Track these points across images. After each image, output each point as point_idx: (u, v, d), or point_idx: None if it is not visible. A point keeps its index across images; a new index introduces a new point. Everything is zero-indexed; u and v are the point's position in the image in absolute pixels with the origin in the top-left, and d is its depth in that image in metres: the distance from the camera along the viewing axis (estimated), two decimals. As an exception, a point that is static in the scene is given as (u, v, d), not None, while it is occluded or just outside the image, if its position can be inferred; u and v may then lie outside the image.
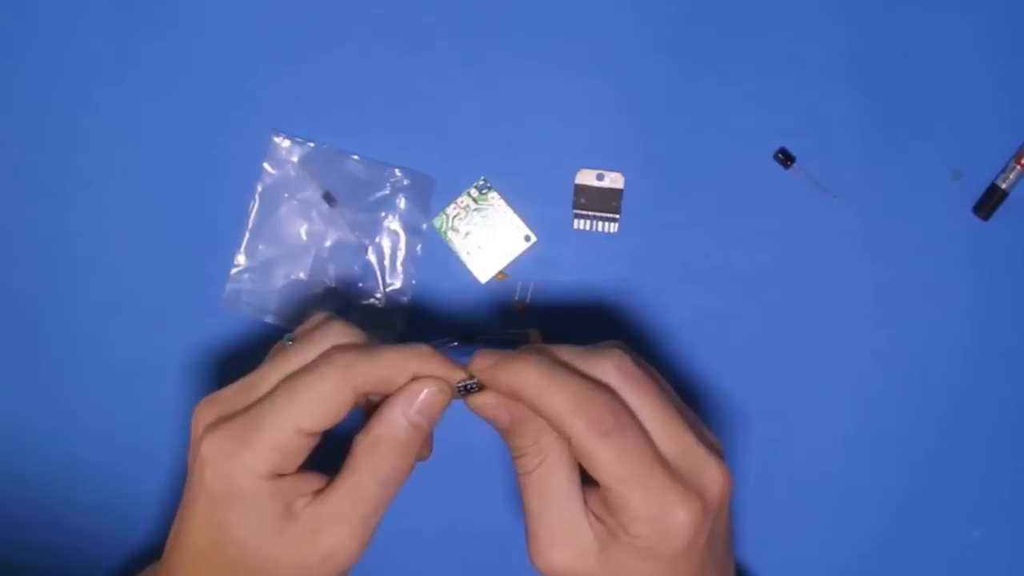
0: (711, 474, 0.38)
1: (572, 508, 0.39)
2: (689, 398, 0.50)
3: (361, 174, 0.50)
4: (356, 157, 0.50)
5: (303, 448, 0.38)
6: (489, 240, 0.50)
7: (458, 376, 0.40)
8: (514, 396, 0.38)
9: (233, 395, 0.40)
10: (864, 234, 0.50)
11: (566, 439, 0.37)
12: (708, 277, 0.50)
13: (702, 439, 0.39)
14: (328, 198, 0.50)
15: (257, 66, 0.50)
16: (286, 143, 0.50)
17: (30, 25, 0.50)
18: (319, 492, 0.39)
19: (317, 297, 0.50)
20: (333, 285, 0.50)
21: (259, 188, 0.50)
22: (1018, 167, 0.49)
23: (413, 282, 0.50)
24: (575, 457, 0.38)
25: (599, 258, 0.50)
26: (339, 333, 0.40)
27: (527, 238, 0.50)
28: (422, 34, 0.50)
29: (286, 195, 0.50)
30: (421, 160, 0.50)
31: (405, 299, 0.50)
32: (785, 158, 0.49)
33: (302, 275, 0.50)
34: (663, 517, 0.37)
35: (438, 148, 0.50)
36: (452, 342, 0.46)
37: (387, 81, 0.50)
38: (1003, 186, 0.49)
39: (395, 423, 0.39)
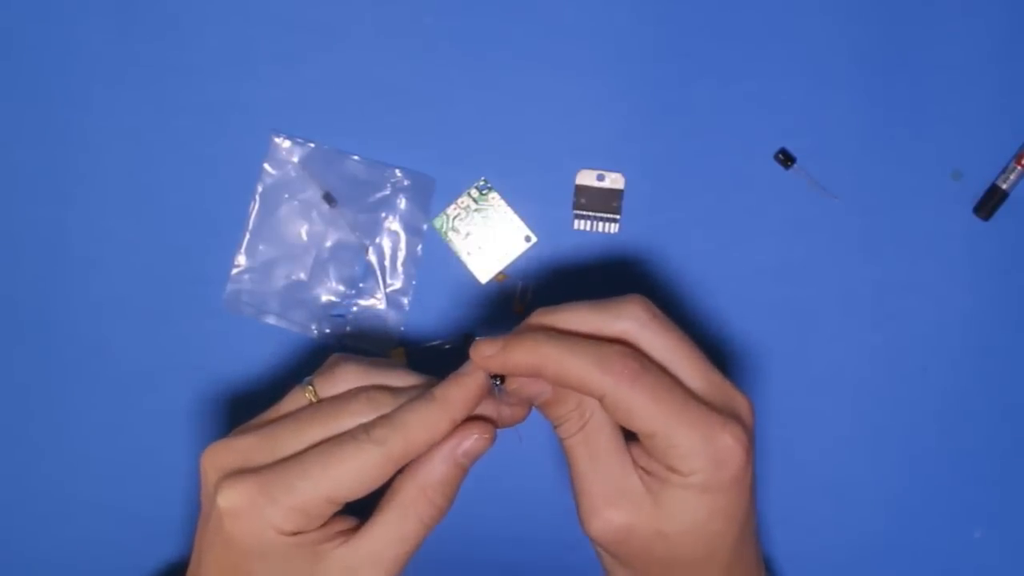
0: (740, 401, 0.39)
1: (621, 464, 0.39)
2: (689, 398, 0.50)
3: (361, 174, 0.50)
4: (356, 157, 0.50)
5: (329, 513, 0.38)
6: (489, 240, 0.50)
7: (492, 410, 0.40)
8: (534, 373, 0.38)
9: (253, 447, 0.39)
10: (864, 234, 0.50)
11: (598, 398, 0.37)
12: (708, 277, 0.50)
13: (713, 365, 0.39)
14: (328, 198, 0.50)
15: (257, 66, 0.50)
16: (286, 143, 0.50)
17: (30, 25, 0.50)
18: (352, 531, 0.39)
19: (318, 297, 0.50)
20: (333, 285, 0.50)
21: (259, 188, 0.50)
22: (1018, 167, 0.49)
23: (413, 282, 0.50)
24: (613, 416, 0.38)
25: (599, 258, 0.50)
26: (363, 379, 0.40)
27: (527, 238, 0.50)
28: (422, 34, 0.50)
29: (286, 195, 0.50)
30: (421, 160, 0.50)
31: (405, 299, 0.50)
32: (785, 158, 0.49)
33: (303, 276, 0.50)
34: (711, 446, 0.37)
35: (438, 148, 0.50)
36: (446, 344, 0.46)
37: (387, 81, 0.50)
38: (1003, 186, 0.49)
39: (442, 468, 0.39)
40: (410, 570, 0.51)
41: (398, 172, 0.50)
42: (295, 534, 0.37)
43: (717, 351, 0.50)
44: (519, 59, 0.50)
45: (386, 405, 0.39)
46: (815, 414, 0.50)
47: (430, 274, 0.50)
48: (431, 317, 0.50)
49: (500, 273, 0.50)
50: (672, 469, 0.38)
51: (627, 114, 0.50)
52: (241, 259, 0.50)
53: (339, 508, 0.38)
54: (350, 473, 0.37)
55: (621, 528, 0.39)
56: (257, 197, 0.50)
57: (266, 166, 0.50)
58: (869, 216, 0.50)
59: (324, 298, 0.50)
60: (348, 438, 0.38)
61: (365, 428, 0.38)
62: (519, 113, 0.50)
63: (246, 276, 0.50)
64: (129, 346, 0.50)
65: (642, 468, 0.39)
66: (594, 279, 0.50)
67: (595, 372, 0.37)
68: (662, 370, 0.38)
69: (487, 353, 0.39)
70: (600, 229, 0.50)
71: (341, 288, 0.50)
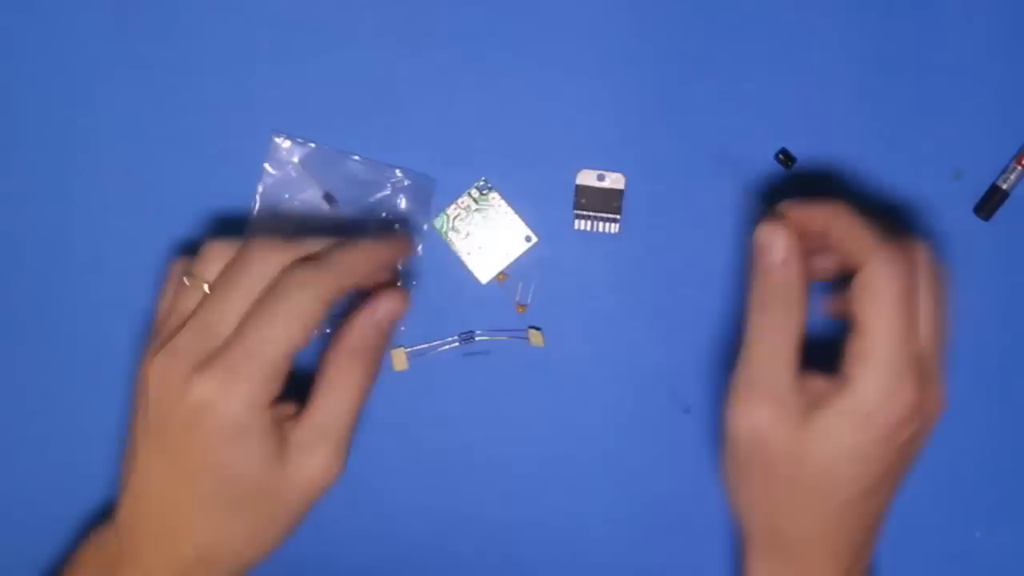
0: (935, 390, 0.40)
1: (789, 368, 0.39)
2: (690, 397, 0.50)
3: (362, 174, 0.50)
4: (357, 157, 0.50)
5: (288, 369, 0.40)
6: (489, 240, 0.50)
7: (397, 250, 0.44)
8: (823, 226, 0.40)
9: (194, 340, 0.40)
10: (864, 234, 0.50)
11: (858, 268, 0.39)
12: (708, 277, 0.50)
13: (943, 364, 0.40)
14: (329, 198, 0.50)
15: (257, 66, 0.50)
16: (287, 143, 0.50)
17: (30, 25, 0.50)
18: (296, 413, 0.41)
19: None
20: None
21: (260, 189, 0.50)
22: (1019, 167, 0.49)
23: (414, 282, 0.50)
24: (853, 295, 0.39)
25: (600, 259, 0.50)
26: (275, 250, 0.41)
27: (527, 239, 0.50)
28: (422, 34, 0.50)
29: (287, 195, 0.50)
30: (422, 161, 0.50)
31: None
32: (786, 158, 0.49)
33: None
34: (896, 384, 0.38)
35: (439, 149, 0.50)
36: (445, 345, 0.47)
37: (388, 81, 0.50)
38: (1004, 186, 0.49)
39: (366, 331, 0.41)
40: (412, 569, 0.51)
41: (398, 172, 0.50)
42: (272, 406, 0.39)
43: (717, 351, 0.50)
44: (519, 59, 0.50)
45: (286, 254, 0.41)
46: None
47: (430, 274, 0.50)
48: (431, 317, 0.50)
49: (500, 273, 0.50)
50: (847, 382, 0.38)
51: (627, 114, 0.50)
52: (241, 259, 0.50)
53: (290, 364, 0.40)
54: (298, 321, 0.39)
55: (763, 430, 0.39)
56: (258, 197, 0.50)
57: (266, 166, 0.50)
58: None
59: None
60: (279, 291, 0.39)
61: (292, 274, 0.40)
62: (519, 113, 0.50)
63: (246, 276, 0.50)
64: (131, 347, 0.50)
65: (808, 389, 0.39)
66: (594, 279, 0.50)
67: (870, 240, 0.39)
68: (917, 301, 0.39)
69: (794, 203, 0.41)
70: (600, 229, 0.50)
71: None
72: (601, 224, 0.50)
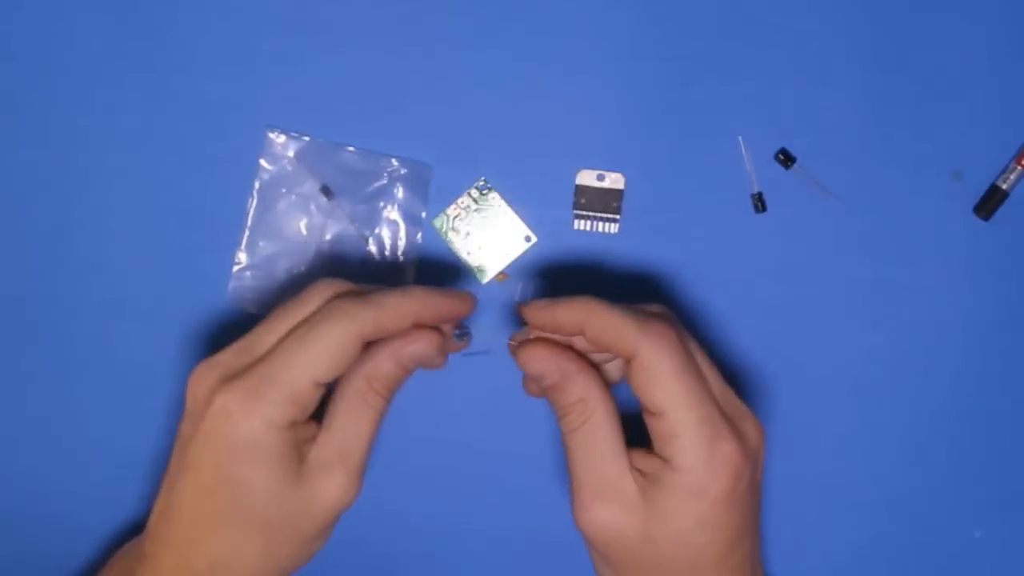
0: (750, 424, 0.40)
1: (617, 462, 0.39)
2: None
3: (357, 165, 0.50)
4: (352, 148, 0.50)
5: (316, 399, 0.39)
6: (489, 240, 0.50)
7: (454, 305, 0.42)
8: (576, 329, 0.40)
9: (233, 356, 0.40)
10: (864, 234, 0.50)
11: (630, 357, 0.38)
12: (708, 277, 0.50)
13: (738, 397, 0.41)
14: (326, 191, 0.50)
15: (253, 63, 0.50)
16: (281, 138, 0.50)
17: (29, 25, 0.50)
18: (315, 436, 0.41)
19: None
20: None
21: (256, 184, 0.50)
22: (1018, 167, 0.49)
23: (414, 271, 0.50)
24: (634, 384, 0.39)
25: (599, 258, 0.50)
26: (333, 285, 0.41)
27: (527, 238, 0.50)
28: (422, 33, 0.50)
29: (284, 190, 0.50)
30: (420, 156, 0.50)
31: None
32: (785, 158, 0.49)
33: (304, 269, 0.50)
34: (711, 448, 0.38)
35: (438, 148, 0.50)
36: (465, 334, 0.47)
37: (387, 81, 0.50)
38: (1003, 186, 0.49)
39: (388, 365, 0.41)
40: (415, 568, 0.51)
41: (394, 161, 0.50)
42: (291, 428, 0.39)
43: (717, 351, 0.50)
44: (519, 59, 0.50)
45: (345, 287, 0.41)
46: (815, 414, 0.50)
47: (430, 274, 0.50)
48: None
49: (500, 273, 0.50)
50: (668, 462, 0.38)
51: (627, 114, 0.50)
52: (242, 256, 0.50)
53: (322, 393, 0.39)
54: (324, 349, 0.39)
55: (610, 526, 0.39)
56: (255, 193, 0.50)
57: (262, 162, 0.50)
58: (869, 216, 0.50)
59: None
60: (318, 317, 0.39)
61: (334, 304, 0.39)
62: (519, 113, 0.50)
63: (247, 272, 0.50)
64: (132, 346, 0.50)
65: (638, 471, 0.39)
66: (594, 279, 0.50)
67: (633, 328, 0.38)
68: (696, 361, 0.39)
69: (539, 305, 0.40)
70: (600, 229, 0.50)
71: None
72: (601, 224, 0.50)
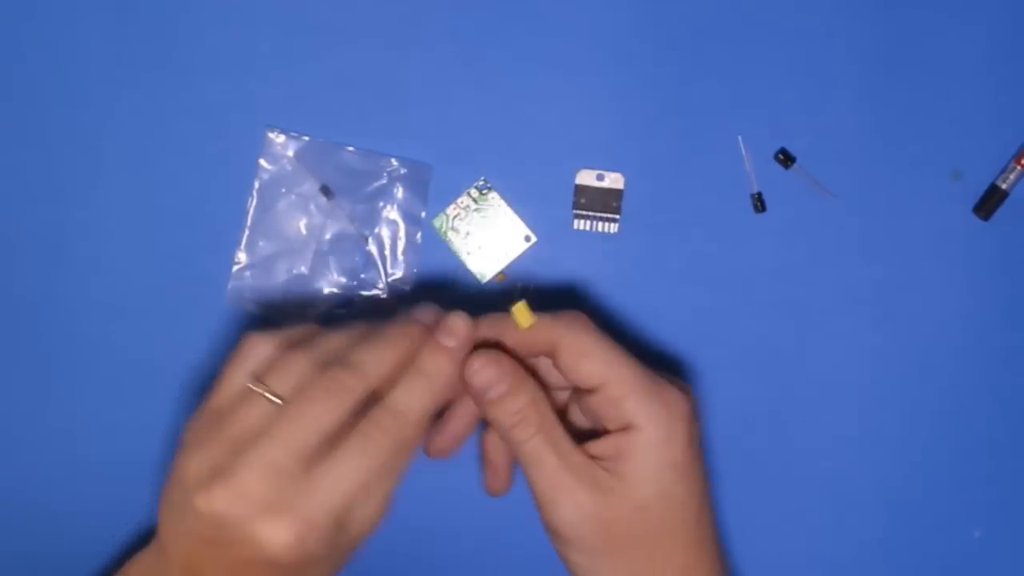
0: (678, 384, 0.41)
1: (579, 454, 0.40)
2: (689, 398, 0.50)
3: (357, 165, 0.50)
4: (351, 148, 0.50)
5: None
6: (489, 240, 0.50)
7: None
8: (497, 340, 0.41)
9: (261, 482, 0.37)
10: (864, 234, 0.50)
11: (552, 349, 0.40)
12: (708, 277, 0.50)
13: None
14: (326, 191, 0.50)
15: (253, 63, 0.50)
16: (281, 138, 0.50)
17: (29, 25, 0.50)
18: None
19: (320, 290, 0.50)
20: (335, 277, 0.50)
21: (256, 184, 0.50)
22: (1018, 167, 0.49)
23: (415, 270, 0.50)
24: (566, 369, 0.40)
25: (599, 258, 0.50)
26: (279, 349, 0.39)
27: (527, 238, 0.50)
28: (421, 34, 0.50)
29: (283, 190, 0.50)
30: (420, 156, 0.50)
31: (408, 288, 0.50)
32: (785, 158, 0.49)
33: (303, 269, 0.50)
34: (659, 396, 0.39)
35: (438, 148, 0.50)
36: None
37: (386, 81, 0.50)
38: (1003, 186, 0.49)
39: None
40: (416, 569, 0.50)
41: (394, 161, 0.50)
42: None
43: (717, 351, 0.50)
44: (519, 59, 0.50)
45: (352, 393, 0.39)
46: (815, 414, 0.50)
47: (430, 274, 0.50)
48: (431, 317, 0.50)
49: (500, 273, 0.50)
50: (625, 429, 0.39)
51: (627, 114, 0.50)
52: (241, 255, 0.50)
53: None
54: (366, 470, 0.38)
55: (595, 509, 0.39)
56: (254, 193, 0.50)
57: (261, 162, 0.50)
58: (869, 216, 0.50)
59: (326, 290, 0.50)
60: (355, 435, 0.38)
61: (367, 426, 0.38)
62: (519, 113, 0.50)
63: (247, 272, 0.50)
64: (132, 346, 0.50)
65: (596, 459, 0.40)
66: (594, 279, 0.50)
67: (549, 322, 0.40)
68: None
69: (460, 324, 0.40)
70: (600, 229, 0.50)
71: (343, 280, 0.50)
72: (600, 224, 0.50)
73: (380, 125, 0.50)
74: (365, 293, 0.50)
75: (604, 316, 0.50)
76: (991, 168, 0.50)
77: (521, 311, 0.40)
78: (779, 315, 0.50)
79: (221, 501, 0.36)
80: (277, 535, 0.36)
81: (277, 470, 0.37)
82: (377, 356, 0.39)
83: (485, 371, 0.40)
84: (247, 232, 0.50)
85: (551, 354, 0.41)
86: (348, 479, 0.37)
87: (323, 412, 0.37)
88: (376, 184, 0.50)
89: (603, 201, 0.50)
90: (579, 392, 0.42)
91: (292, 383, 0.38)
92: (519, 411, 0.40)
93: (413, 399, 0.39)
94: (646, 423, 0.39)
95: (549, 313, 0.41)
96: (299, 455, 0.37)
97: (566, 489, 0.39)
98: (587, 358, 0.40)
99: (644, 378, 0.40)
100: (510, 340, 0.41)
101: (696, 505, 0.40)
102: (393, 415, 0.39)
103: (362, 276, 0.50)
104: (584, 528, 0.40)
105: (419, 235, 0.50)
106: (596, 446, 0.40)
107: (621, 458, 0.39)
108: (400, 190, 0.50)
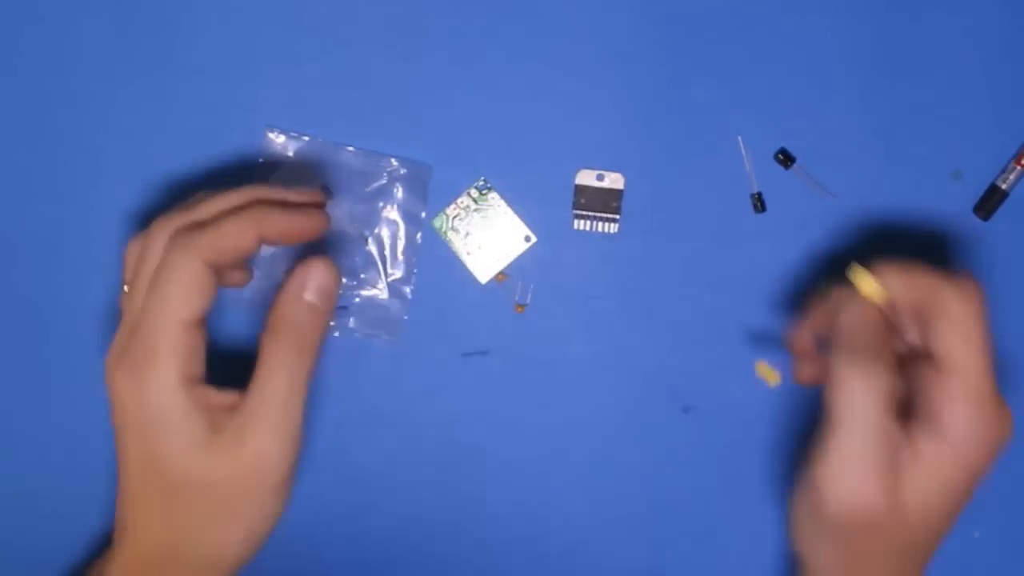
0: (1009, 413, 0.39)
1: (883, 432, 0.38)
2: (690, 397, 0.50)
3: (357, 165, 0.50)
4: (351, 148, 0.50)
5: (198, 342, 0.39)
6: (489, 240, 0.50)
7: (299, 223, 0.41)
8: (910, 284, 0.39)
9: (120, 334, 0.40)
10: (864, 234, 0.50)
11: (938, 310, 0.38)
12: (708, 277, 0.50)
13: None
14: (325, 191, 0.50)
15: (253, 63, 0.50)
16: (281, 138, 0.50)
17: (29, 24, 0.50)
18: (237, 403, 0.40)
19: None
20: None
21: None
22: (1018, 167, 0.49)
23: (415, 271, 0.50)
24: (936, 337, 0.39)
25: (599, 258, 0.50)
26: (168, 223, 0.41)
27: (527, 238, 0.50)
28: (421, 34, 0.50)
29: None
30: (420, 156, 0.50)
31: (408, 288, 0.50)
32: (785, 158, 0.49)
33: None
34: (985, 414, 0.37)
35: (438, 148, 0.50)
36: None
37: (386, 81, 0.50)
38: (1003, 186, 0.49)
39: (288, 308, 0.40)
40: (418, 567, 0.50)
41: (394, 161, 0.50)
42: (188, 386, 0.38)
43: (717, 351, 0.50)
44: (519, 59, 0.50)
45: (180, 221, 0.40)
46: (815, 413, 0.50)
47: (430, 274, 0.50)
48: (431, 317, 0.50)
49: (500, 273, 0.50)
50: (934, 417, 0.37)
51: (627, 114, 0.50)
52: (241, 258, 0.50)
53: (203, 333, 0.39)
54: (178, 289, 0.38)
55: (869, 503, 0.37)
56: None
57: (261, 161, 0.50)
58: (869, 216, 0.50)
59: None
60: (160, 265, 0.39)
61: (172, 242, 0.39)
62: (518, 112, 0.50)
63: (246, 274, 0.50)
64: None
65: (904, 438, 0.38)
66: (594, 279, 0.50)
67: (947, 283, 0.38)
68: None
69: (328, 280, 0.40)
70: (600, 229, 0.50)
71: (343, 280, 0.50)
72: (600, 224, 0.50)
73: (380, 125, 0.50)
74: (365, 293, 0.50)
75: (604, 316, 0.50)
76: (991, 168, 0.50)
77: (863, 277, 0.40)
78: (779, 315, 0.50)
79: (105, 373, 0.40)
80: (117, 376, 0.39)
81: (126, 323, 0.40)
82: (231, 221, 0.40)
83: (854, 307, 0.40)
84: (247, 232, 0.50)
85: (927, 319, 0.39)
86: (162, 302, 0.39)
87: (153, 259, 0.40)
88: (376, 184, 0.50)
89: (603, 201, 0.50)
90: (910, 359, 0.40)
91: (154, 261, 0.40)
92: (850, 359, 0.38)
93: (228, 216, 0.40)
94: (950, 426, 0.37)
95: (946, 272, 0.39)
96: (138, 293, 0.40)
97: (848, 468, 0.38)
98: (959, 335, 0.38)
99: (985, 387, 0.38)
100: (900, 288, 0.39)
101: (945, 526, 0.39)
102: (192, 231, 0.39)
103: (362, 276, 0.50)
104: (848, 516, 0.38)
105: (419, 235, 0.50)
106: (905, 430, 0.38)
107: (910, 449, 0.38)
108: (400, 190, 0.50)
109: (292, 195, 0.43)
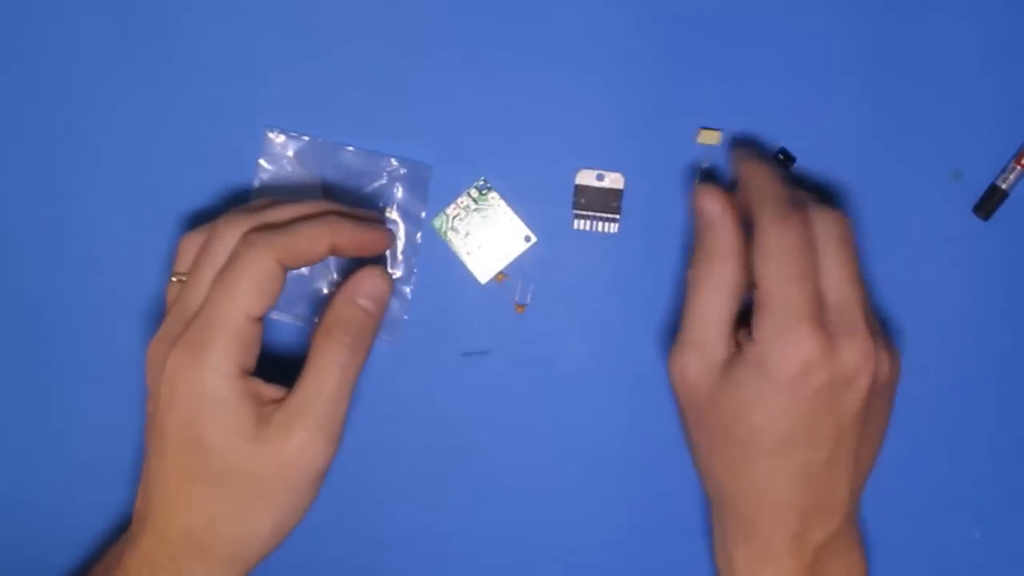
0: (855, 342, 0.39)
1: (722, 325, 0.42)
2: (689, 398, 0.50)
3: (357, 165, 0.50)
4: (351, 148, 0.50)
5: (256, 336, 0.40)
6: (489, 240, 0.50)
7: (368, 237, 0.44)
8: (743, 178, 0.43)
9: (174, 322, 0.41)
10: (864, 234, 0.50)
11: (756, 213, 0.41)
12: (708, 277, 0.50)
13: (867, 313, 0.40)
14: (326, 191, 0.50)
15: (253, 63, 0.50)
16: (280, 138, 0.50)
17: (28, 24, 0.50)
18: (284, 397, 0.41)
19: (320, 290, 0.50)
20: (335, 277, 0.50)
21: (256, 184, 0.50)
22: (1018, 167, 0.49)
23: (415, 271, 0.50)
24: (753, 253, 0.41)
25: (599, 258, 0.50)
26: (240, 221, 0.42)
27: (527, 238, 0.50)
28: (421, 34, 0.50)
29: (283, 190, 0.50)
30: (420, 156, 0.50)
31: (408, 288, 0.50)
32: (785, 158, 0.49)
33: (303, 269, 0.50)
34: (785, 329, 0.39)
35: (438, 148, 0.50)
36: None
37: (386, 81, 0.50)
38: (1003, 186, 0.49)
39: (343, 309, 0.42)
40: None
41: (394, 161, 0.50)
42: (241, 376, 0.40)
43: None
44: (519, 59, 0.50)
45: (254, 221, 0.42)
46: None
47: (430, 274, 0.50)
48: (431, 317, 0.50)
49: (500, 273, 0.50)
50: (750, 333, 0.40)
51: (627, 114, 0.50)
52: (241, 258, 0.50)
53: (261, 329, 0.41)
54: (248, 284, 0.40)
55: (689, 380, 0.42)
56: (254, 193, 0.50)
57: (261, 161, 0.50)
58: (869, 216, 0.50)
59: (326, 291, 0.50)
60: (233, 256, 0.40)
61: (247, 238, 0.41)
62: (519, 113, 0.50)
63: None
64: (132, 346, 0.50)
65: (736, 343, 0.42)
66: (594, 279, 0.50)
67: (763, 208, 0.41)
68: (814, 256, 0.40)
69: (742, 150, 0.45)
70: (600, 229, 0.50)
71: (343, 280, 0.50)
72: (600, 224, 0.50)
73: (380, 125, 0.50)
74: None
75: (604, 316, 0.50)
76: (991, 168, 0.50)
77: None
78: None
79: (148, 354, 0.42)
80: (174, 358, 0.40)
81: (182, 309, 0.41)
82: (307, 227, 0.42)
83: (708, 197, 0.43)
84: (247, 232, 0.50)
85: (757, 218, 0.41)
86: (230, 294, 0.40)
87: (221, 251, 0.41)
88: (376, 184, 0.50)
89: (603, 201, 0.50)
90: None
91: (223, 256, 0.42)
92: (700, 255, 0.43)
93: (304, 222, 0.42)
94: (758, 340, 0.40)
95: (800, 195, 0.42)
96: (202, 292, 0.41)
97: (690, 345, 0.42)
98: (760, 255, 0.40)
99: (789, 304, 0.39)
100: (745, 181, 0.43)
101: (769, 443, 0.40)
102: (269, 230, 0.41)
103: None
104: (677, 383, 0.43)
105: (419, 235, 0.50)
106: (741, 335, 0.41)
107: (737, 355, 0.41)
108: (400, 190, 0.50)
109: (358, 211, 0.45)
